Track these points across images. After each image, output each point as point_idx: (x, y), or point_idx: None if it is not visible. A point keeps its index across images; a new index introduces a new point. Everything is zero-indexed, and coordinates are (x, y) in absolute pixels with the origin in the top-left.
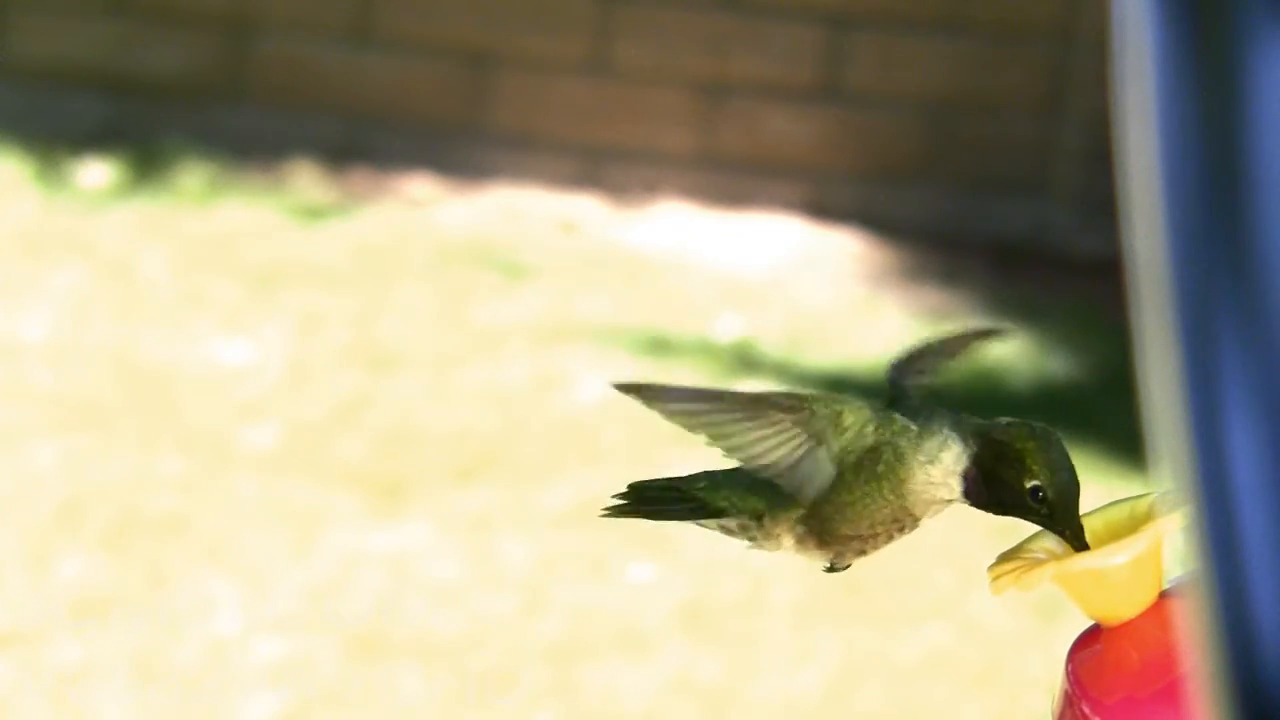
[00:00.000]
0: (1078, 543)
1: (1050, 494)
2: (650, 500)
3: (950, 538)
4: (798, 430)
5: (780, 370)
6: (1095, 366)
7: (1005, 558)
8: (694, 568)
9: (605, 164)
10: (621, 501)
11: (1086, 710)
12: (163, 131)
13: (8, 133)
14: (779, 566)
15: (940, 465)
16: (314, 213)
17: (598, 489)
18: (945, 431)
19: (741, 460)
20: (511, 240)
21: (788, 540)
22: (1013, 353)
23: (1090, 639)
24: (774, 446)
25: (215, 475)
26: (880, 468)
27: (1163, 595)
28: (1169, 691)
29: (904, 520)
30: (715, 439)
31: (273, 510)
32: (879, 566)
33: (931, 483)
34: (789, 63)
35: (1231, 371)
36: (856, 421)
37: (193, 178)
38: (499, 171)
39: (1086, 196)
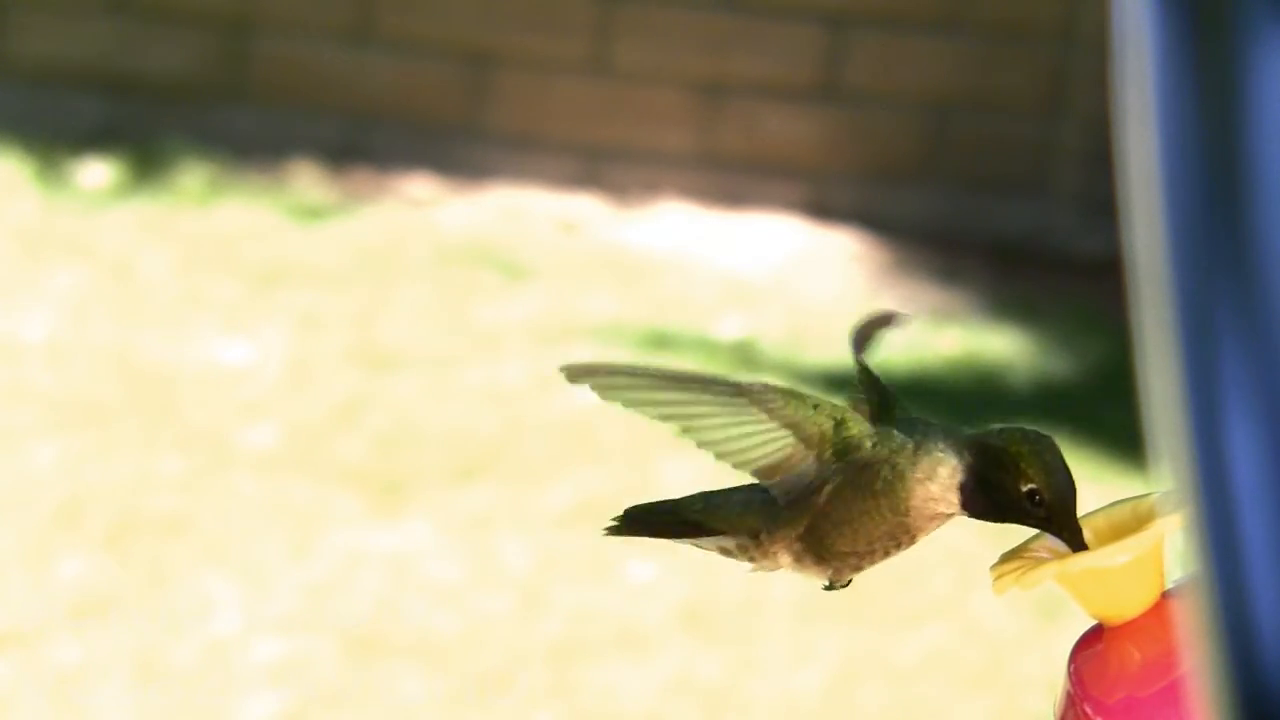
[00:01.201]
0: (1077, 544)
1: (1047, 496)
2: (647, 521)
3: (950, 538)
4: (784, 431)
5: (781, 370)
6: (1095, 366)
7: (1007, 557)
8: (694, 568)
9: (605, 164)
10: (618, 522)
11: (1089, 710)
12: (163, 131)
13: (8, 133)
14: None
15: (938, 481)
16: (314, 213)
17: (598, 489)
18: (940, 446)
19: (720, 457)
20: (511, 240)
21: (785, 558)
22: (1013, 353)
23: (1093, 639)
24: (757, 444)
25: (215, 475)
26: (878, 485)
27: (1165, 595)
28: (1171, 691)
29: (901, 537)
30: (689, 432)
31: (273, 510)
32: (878, 567)
33: (931, 499)
34: (789, 63)
35: (1231, 371)
36: (857, 435)
37: (193, 178)
38: (499, 171)
39: (1086, 196)
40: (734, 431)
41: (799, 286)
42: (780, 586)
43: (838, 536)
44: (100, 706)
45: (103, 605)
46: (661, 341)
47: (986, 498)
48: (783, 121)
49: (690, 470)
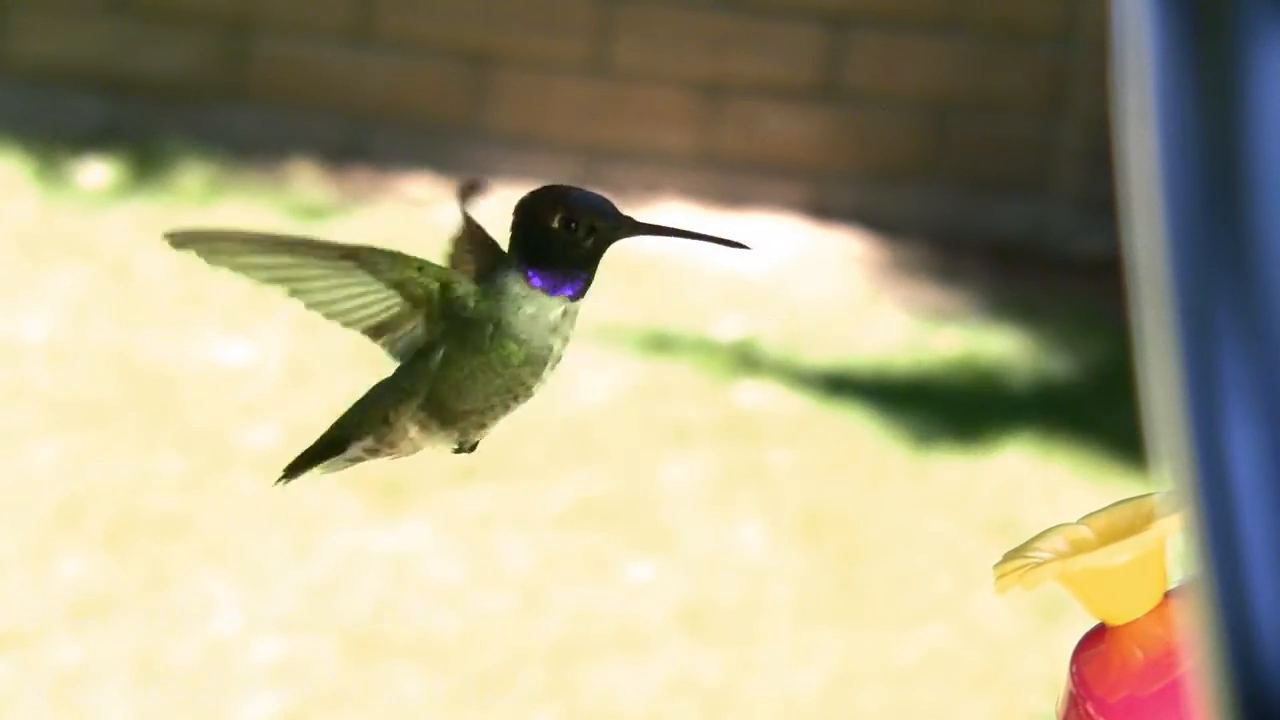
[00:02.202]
0: (646, 227)
1: (572, 212)
2: (306, 459)
3: (949, 538)
4: (390, 293)
5: (781, 370)
6: (1095, 366)
7: (1010, 557)
8: (694, 568)
9: (605, 164)
10: (284, 474)
11: (1091, 710)
12: (163, 131)
13: (8, 133)
14: (779, 566)
15: (509, 295)
16: (314, 213)
17: (598, 489)
18: (506, 271)
19: (329, 316)
20: None
21: (414, 430)
22: (1013, 353)
23: (1095, 638)
24: (364, 305)
25: (215, 475)
26: (485, 342)
27: (1168, 594)
28: (1174, 691)
29: (517, 389)
30: (298, 294)
31: (273, 510)
32: (878, 566)
33: (528, 318)
34: (789, 63)
35: (1231, 371)
36: (462, 294)
37: (193, 178)
38: (499, 171)
39: (1086, 196)
40: (341, 293)
41: (799, 286)
42: (780, 587)
43: (456, 398)
44: (100, 706)
45: (103, 605)
46: (661, 342)
47: (549, 260)
48: (783, 121)
49: (690, 470)
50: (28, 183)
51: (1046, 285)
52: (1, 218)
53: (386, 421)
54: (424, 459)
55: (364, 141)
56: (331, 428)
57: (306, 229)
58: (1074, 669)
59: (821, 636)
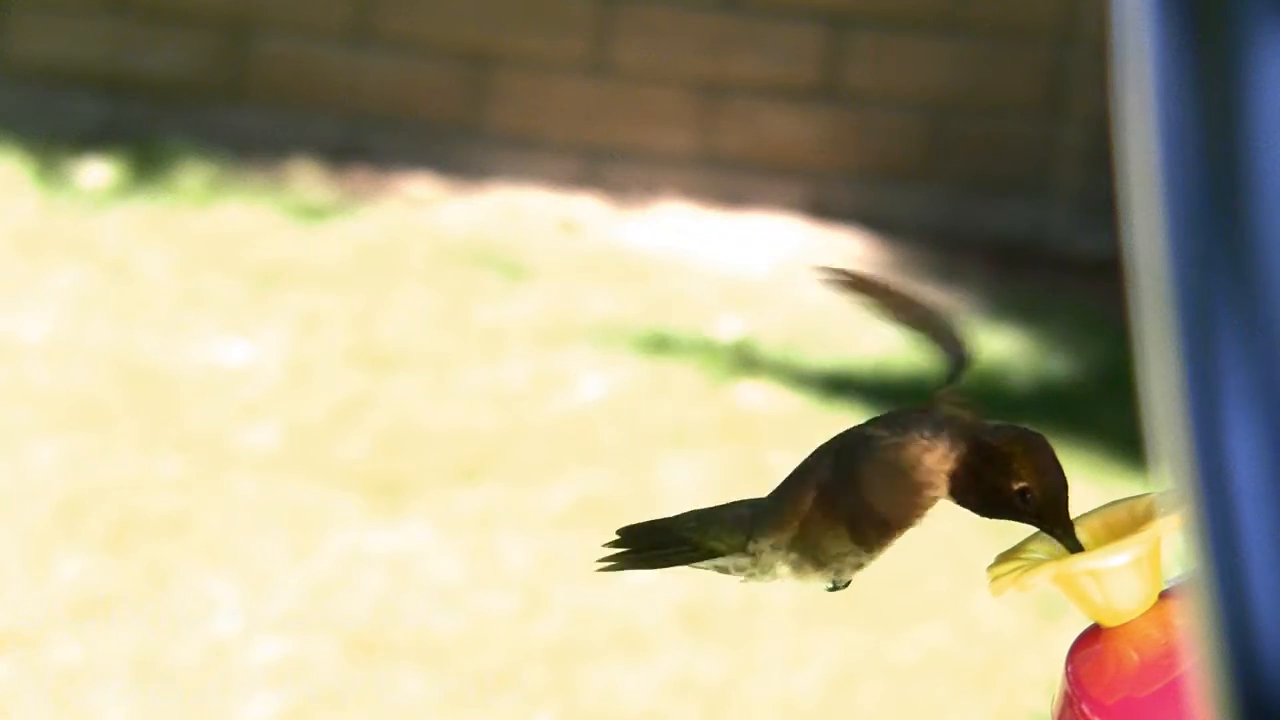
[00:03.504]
0: (1070, 542)
1: (1038, 495)
2: (645, 545)
3: (948, 538)
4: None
5: (780, 370)
6: (1095, 366)
7: (1004, 558)
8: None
9: (605, 164)
10: (618, 551)
11: (1086, 710)
12: (163, 131)
13: (8, 133)
14: None
15: (922, 469)
16: (314, 213)
17: (598, 489)
18: (928, 433)
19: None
20: (511, 240)
21: (783, 569)
22: (1013, 353)
23: (1090, 639)
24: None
25: (215, 475)
26: (866, 479)
27: (1163, 596)
28: (1169, 692)
29: (894, 529)
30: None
31: (273, 510)
32: (877, 566)
33: (916, 486)
34: (789, 63)
35: (1231, 371)
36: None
37: (193, 178)
38: (499, 171)
39: (1086, 196)
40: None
41: (799, 287)
42: (779, 587)
43: (833, 539)
44: (100, 706)
45: (103, 605)
46: (660, 342)
47: (978, 492)
48: (783, 121)
49: (690, 470)
50: (28, 183)
51: (1046, 285)
52: (1, 218)
53: (746, 551)
54: (422, 457)
55: (364, 141)
56: (684, 519)
57: (306, 229)
58: (1069, 669)
59: (820, 636)
